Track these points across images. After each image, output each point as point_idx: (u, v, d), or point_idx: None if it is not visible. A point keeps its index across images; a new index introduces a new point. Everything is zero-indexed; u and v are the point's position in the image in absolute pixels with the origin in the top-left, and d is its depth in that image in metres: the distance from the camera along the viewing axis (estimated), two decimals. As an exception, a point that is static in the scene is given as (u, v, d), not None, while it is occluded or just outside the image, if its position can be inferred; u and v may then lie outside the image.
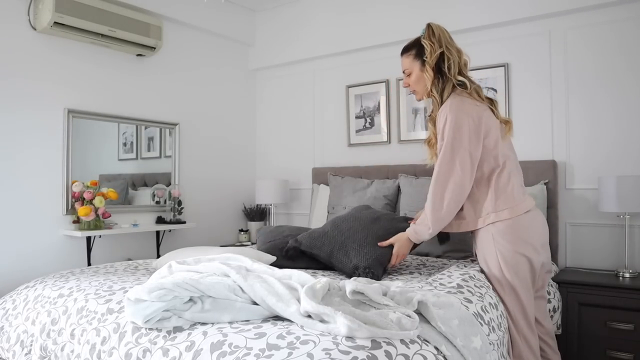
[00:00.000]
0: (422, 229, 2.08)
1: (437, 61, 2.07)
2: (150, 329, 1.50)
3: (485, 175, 2.03)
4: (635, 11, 2.86)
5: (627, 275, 2.67)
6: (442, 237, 2.27)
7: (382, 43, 3.67)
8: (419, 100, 2.24)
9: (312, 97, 4.13)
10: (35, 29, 2.93)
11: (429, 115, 2.21)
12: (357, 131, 3.87)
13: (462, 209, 2.07)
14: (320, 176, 3.81)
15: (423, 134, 3.57)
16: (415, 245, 2.20)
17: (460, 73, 2.07)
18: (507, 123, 2.09)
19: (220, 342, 1.35)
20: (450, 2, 3.36)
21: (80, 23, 2.96)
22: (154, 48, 3.41)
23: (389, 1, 3.62)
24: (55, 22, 2.85)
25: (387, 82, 3.71)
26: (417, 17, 3.48)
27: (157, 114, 3.62)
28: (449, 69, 2.05)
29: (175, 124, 3.73)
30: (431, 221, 2.03)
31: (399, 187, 3.24)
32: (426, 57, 2.08)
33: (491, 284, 2.04)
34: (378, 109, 3.77)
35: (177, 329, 1.47)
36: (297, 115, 4.21)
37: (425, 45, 2.09)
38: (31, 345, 1.83)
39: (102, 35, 3.11)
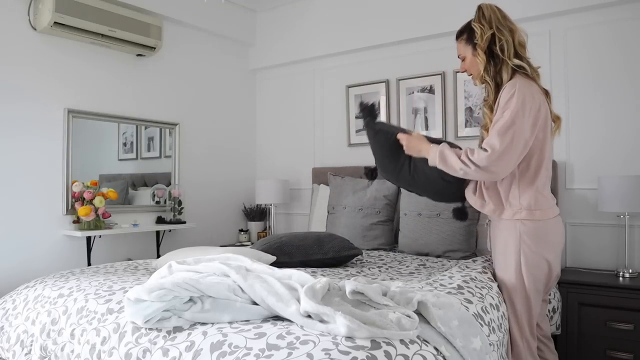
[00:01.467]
0: (450, 154, 1.93)
1: (489, 44, 1.98)
2: (150, 329, 1.50)
3: (531, 169, 1.94)
4: (635, 11, 2.85)
5: (627, 275, 2.67)
6: (461, 213, 2.19)
7: (382, 43, 3.67)
8: (477, 84, 2.16)
9: (312, 97, 4.13)
10: (35, 29, 2.93)
11: (484, 100, 2.10)
12: (357, 131, 3.87)
13: (496, 193, 1.99)
14: (320, 176, 3.81)
15: (423, 134, 3.56)
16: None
17: (516, 55, 1.97)
18: (557, 120, 2.02)
19: (220, 342, 1.35)
20: (449, 2, 3.36)
21: (80, 23, 2.96)
22: (154, 48, 3.41)
23: (389, 1, 3.62)
24: (55, 22, 2.85)
25: (387, 82, 3.71)
26: (417, 17, 3.49)
27: (157, 114, 3.62)
28: (502, 51, 1.96)
29: (175, 124, 3.74)
30: (459, 162, 1.89)
31: (399, 187, 3.24)
32: (477, 41, 2.01)
33: (501, 283, 2.01)
34: (378, 109, 3.77)
35: (177, 329, 1.47)
36: (297, 115, 4.21)
37: (475, 28, 2.01)
38: (31, 345, 1.83)
39: (102, 35, 3.11)
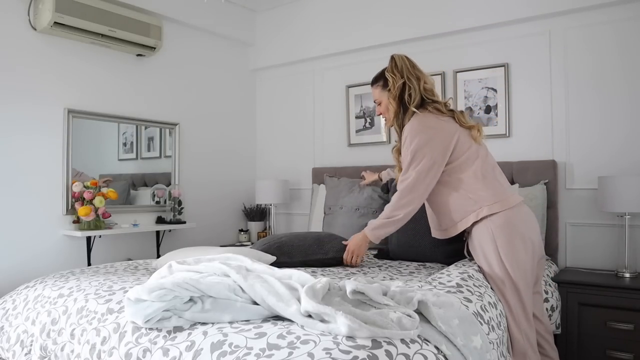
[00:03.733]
0: (377, 227, 2.23)
1: (400, 92, 2.18)
2: (150, 328, 1.50)
3: (463, 174, 2.09)
4: (635, 11, 2.86)
5: (627, 275, 2.67)
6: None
7: (382, 43, 3.67)
8: (389, 127, 2.40)
9: (312, 97, 4.13)
10: (35, 29, 2.93)
11: (395, 144, 2.32)
12: (357, 131, 3.87)
13: (450, 212, 2.14)
14: (320, 176, 3.81)
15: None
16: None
17: (423, 98, 2.16)
18: (472, 128, 2.16)
19: (220, 342, 1.35)
20: (450, 2, 3.36)
21: (80, 23, 2.96)
22: (154, 48, 3.41)
23: (389, 1, 3.63)
24: (55, 22, 2.85)
25: (387, 82, 3.71)
26: (417, 17, 3.49)
27: (157, 114, 3.62)
28: (409, 97, 2.16)
29: (175, 124, 3.73)
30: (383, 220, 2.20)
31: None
32: (389, 89, 2.20)
33: (491, 281, 2.05)
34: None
35: (177, 329, 1.47)
36: (297, 115, 4.21)
37: (388, 78, 2.21)
38: (31, 345, 1.83)
39: (102, 35, 3.11)
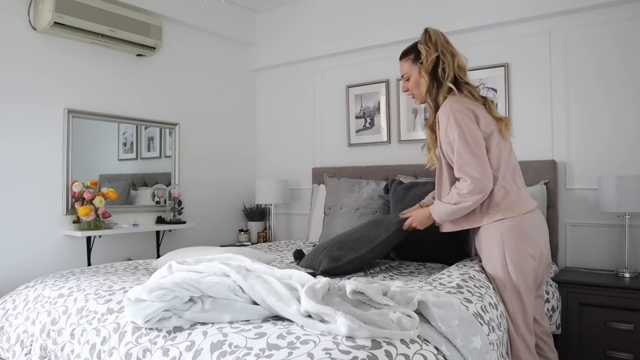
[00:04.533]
0: (444, 211, 2.07)
1: (434, 66, 2.09)
2: (150, 328, 1.50)
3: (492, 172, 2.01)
4: (635, 11, 2.86)
5: (627, 275, 2.67)
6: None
7: (382, 43, 3.67)
8: (420, 104, 2.26)
9: (312, 97, 4.13)
10: (35, 29, 2.93)
11: (425, 120, 2.22)
12: (357, 131, 3.87)
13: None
14: (320, 176, 3.81)
15: (423, 134, 3.55)
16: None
17: (456, 77, 2.08)
18: (501, 120, 2.08)
19: (220, 342, 1.35)
20: (450, 2, 3.36)
21: (80, 23, 2.96)
22: (154, 48, 3.41)
23: (389, 1, 3.62)
24: (55, 22, 2.85)
25: (387, 82, 3.71)
26: (417, 17, 3.49)
27: (157, 114, 3.62)
28: (443, 72, 2.08)
29: (175, 124, 3.73)
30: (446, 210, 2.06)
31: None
32: (422, 62, 2.11)
33: (493, 282, 2.04)
34: (378, 109, 3.77)
35: (177, 329, 1.47)
36: (297, 115, 4.21)
37: (421, 50, 2.12)
38: (31, 345, 1.83)
39: (102, 35, 3.11)
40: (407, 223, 2.25)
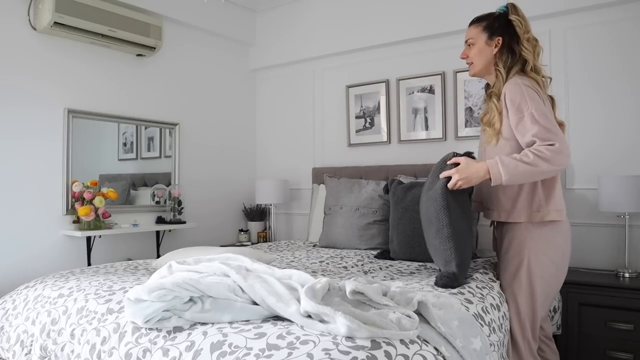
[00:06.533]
0: (510, 163, 1.82)
1: (512, 41, 2.02)
2: (150, 329, 1.50)
3: None
4: (634, 12, 2.86)
5: (627, 275, 2.67)
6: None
7: (382, 43, 3.67)
8: (472, 75, 2.17)
9: (312, 97, 4.13)
10: (35, 29, 2.93)
11: (490, 90, 2.07)
12: (357, 131, 3.87)
13: (506, 197, 1.98)
14: (321, 176, 3.80)
15: (423, 134, 3.57)
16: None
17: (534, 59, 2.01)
18: (561, 125, 1.99)
19: (220, 342, 1.35)
20: (449, 2, 3.36)
21: (80, 23, 2.96)
22: (154, 48, 3.41)
23: (389, 1, 3.62)
24: (55, 22, 2.85)
25: (387, 82, 3.71)
26: (417, 17, 3.49)
27: (157, 114, 3.62)
28: (526, 51, 1.99)
29: (175, 124, 3.74)
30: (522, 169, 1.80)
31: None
32: (517, 29, 2.02)
33: (505, 283, 2.01)
34: (378, 109, 3.77)
35: (177, 329, 1.47)
36: (297, 115, 4.21)
37: (513, 20, 2.03)
38: (31, 345, 1.83)
39: (102, 35, 3.11)
40: (451, 183, 1.90)
